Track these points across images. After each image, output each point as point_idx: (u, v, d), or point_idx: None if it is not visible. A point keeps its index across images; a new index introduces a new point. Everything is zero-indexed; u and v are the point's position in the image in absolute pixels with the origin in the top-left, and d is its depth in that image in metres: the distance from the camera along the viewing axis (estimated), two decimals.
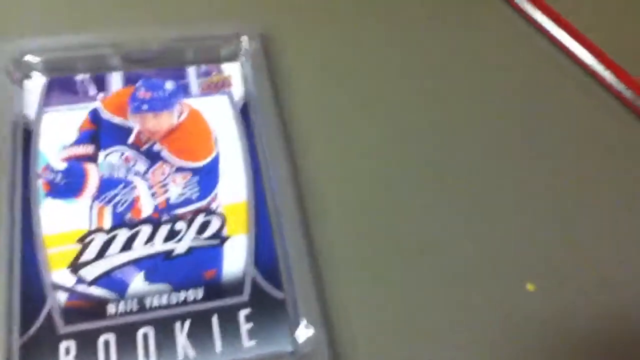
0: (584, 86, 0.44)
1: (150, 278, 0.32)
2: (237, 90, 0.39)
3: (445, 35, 0.45)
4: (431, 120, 0.40)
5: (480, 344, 0.33)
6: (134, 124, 0.37)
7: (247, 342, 0.31)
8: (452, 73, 0.43)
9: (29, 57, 0.37)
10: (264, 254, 0.34)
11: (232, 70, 0.40)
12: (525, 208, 0.38)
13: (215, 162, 0.36)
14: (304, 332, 0.31)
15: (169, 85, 0.38)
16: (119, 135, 0.36)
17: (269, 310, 0.32)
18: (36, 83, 0.37)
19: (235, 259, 0.33)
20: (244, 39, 0.40)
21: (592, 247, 0.37)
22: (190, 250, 0.33)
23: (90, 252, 0.32)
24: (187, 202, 0.35)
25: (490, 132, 0.40)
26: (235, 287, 0.32)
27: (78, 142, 0.36)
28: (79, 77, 0.38)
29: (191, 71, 0.39)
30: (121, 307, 0.31)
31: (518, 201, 0.38)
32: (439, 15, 0.46)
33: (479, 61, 0.44)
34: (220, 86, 0.39)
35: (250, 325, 0.31)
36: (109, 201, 0.34)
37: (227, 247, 0.34)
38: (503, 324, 0.34)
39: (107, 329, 0.30)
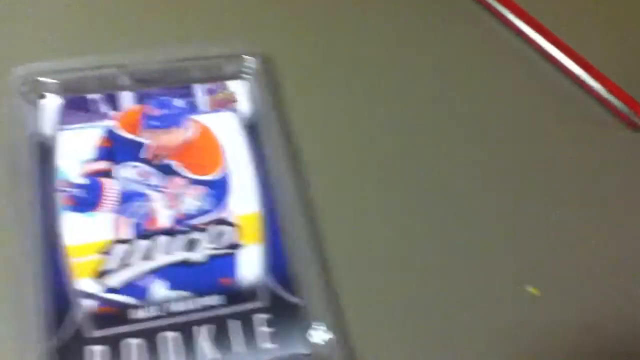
0: (557, 87, 0.47)
1: (170, 285, 0.34)
2: (243, 106, 0.41)
3: (443, 47, 0.47)
4: (436, 130, 0.43)
5: (492, 349, 0.35)
6: (146, 140, 0.38)
7: (266, 345, 0.33)
8: (460, 86, 0.45)
9: (42, 79, 0.38)
10: (277, 262, 0.35)
11: (237, 88, 0.42)
12: (525, 211, 0.40)
13: (226, 175, 0.38)
14: (319, 334, 0.33)
15: (178, 102, 0.40)
16: (133, 151, 0.38)
17: (285, 314, 0.34)
18: (51, 103, 0.38)
19: (250, 267, 0.35)
20: (248, 58, 0.42)
21: (595, 251, 0.39)
22: (207, 258, 0.35)
23: (113, 262, 0.34)
24: (202, 213, 0.36)
25: (487, 139, 0.43)
26: (252, 293, 0.34)
27: (95, 158, 0.37)
28: (92, 96, 0.39)
29: (198, 89, 0.41)
30: (145, 312, 0.33)
31: (518, 205, 0.40)
32: (438, 30, 0.48)
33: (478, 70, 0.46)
34: (226, 103, 0.41)
35: (267, 328, 0.33)
36: (127, 213, 0.35)
37: (242, 255, 0.35)
38: (508, 327, 0.36)
39: (133, 334, 0.32)
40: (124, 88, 0.40)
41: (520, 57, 0.48)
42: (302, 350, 0.33)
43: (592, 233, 0.40)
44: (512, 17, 0.49)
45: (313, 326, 0.33)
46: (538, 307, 0.36)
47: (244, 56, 0.42)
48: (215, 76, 0.42)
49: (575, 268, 0.38)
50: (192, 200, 0.36)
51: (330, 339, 0.33)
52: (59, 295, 0.32)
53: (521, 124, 0.44)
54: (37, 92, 0.38)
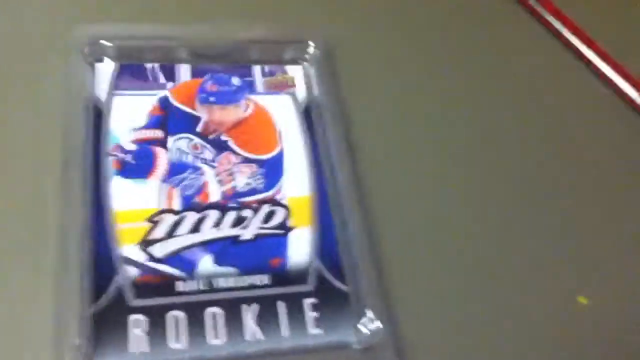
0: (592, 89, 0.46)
1: (218, 260, 0.32)
2: (300, 91, 0.40)
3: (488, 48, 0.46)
4: (495, 126, 0.43)
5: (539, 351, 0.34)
6: (202, 114, 0.37)
7: (312, 330, 0.31)
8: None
9: (103, 42, 0.38)
10: (327, 247, 0.34)
11: (295, 73, 0.40)
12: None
13: (279, 156, 0.37)
14: (368, 323, 0.32)
15: (236, 80, 0.39)
16: (187, 123, 0.37)
17: (333, 301, 0.32)
18: (107, 67, 0.38)
19: (299, 250, 0.34)
20: (309, 44, 0.41)
21: None
22: (256, 237, 0.33)
23: (160, 231, 0.33)
24: (253, 191, 0.35)
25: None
26: (300, 276, 0.33)
27: (148, 126, 0.36)
28: (149, 65, 0.38)
29: (256, 69, 0.40)
30: (190, 285, 0.31)
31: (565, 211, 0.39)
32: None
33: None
34: (284, 86, 0.40)
35: (315, 313, 0.32)
36: (178, 184, 0.34)
37: (292, 237, 0.34)
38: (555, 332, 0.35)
39: (177, 306, 0.31)
40: (182, 61, 0.40)
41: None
42: (349, 337, 0.31)
43: None
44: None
45: (361, 314, 0.32)
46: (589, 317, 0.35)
47: (305, 42, 0.41)
48: (275, 59, 0.41)
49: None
50: (244, 177, 0.35)
51: (378, 328, 0.31)
52: (103, 260, 0.31)
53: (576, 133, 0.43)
54: (96, 55, 0.37)
